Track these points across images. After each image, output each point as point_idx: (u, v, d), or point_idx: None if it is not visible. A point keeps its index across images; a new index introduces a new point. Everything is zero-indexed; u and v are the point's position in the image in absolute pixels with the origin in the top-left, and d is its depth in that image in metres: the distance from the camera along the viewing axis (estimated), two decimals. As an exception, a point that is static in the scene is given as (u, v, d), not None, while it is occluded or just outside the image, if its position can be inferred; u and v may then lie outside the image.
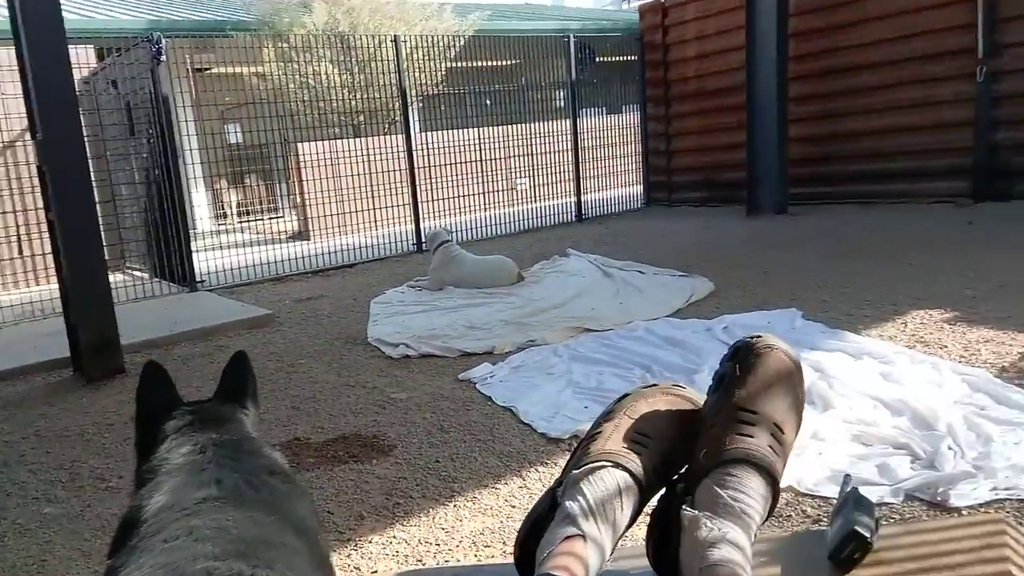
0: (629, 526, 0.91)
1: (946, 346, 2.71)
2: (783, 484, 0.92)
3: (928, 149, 6.36)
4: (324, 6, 11.02)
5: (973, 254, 4.17)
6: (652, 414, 0.97)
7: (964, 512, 1.63)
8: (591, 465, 0.91)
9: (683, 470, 0.95)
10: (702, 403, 0.99)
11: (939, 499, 1.67)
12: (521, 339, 3.51)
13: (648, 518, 0.96)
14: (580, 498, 0.88)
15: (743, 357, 0.95)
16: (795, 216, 6.52)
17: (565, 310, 4.06)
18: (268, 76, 8.39)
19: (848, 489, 1.05)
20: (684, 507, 0.88)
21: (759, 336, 0.97)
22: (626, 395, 1.02)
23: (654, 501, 0.96)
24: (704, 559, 0.82)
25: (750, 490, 0.87)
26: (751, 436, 0.90)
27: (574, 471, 0.91)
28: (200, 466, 0.88)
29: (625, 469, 0.90)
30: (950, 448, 1.87)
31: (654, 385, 1.03)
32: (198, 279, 5.98)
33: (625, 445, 0.93)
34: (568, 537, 0.85)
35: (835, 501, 1.71)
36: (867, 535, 0.91)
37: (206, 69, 8.79)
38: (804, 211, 6.69)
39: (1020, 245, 4.27)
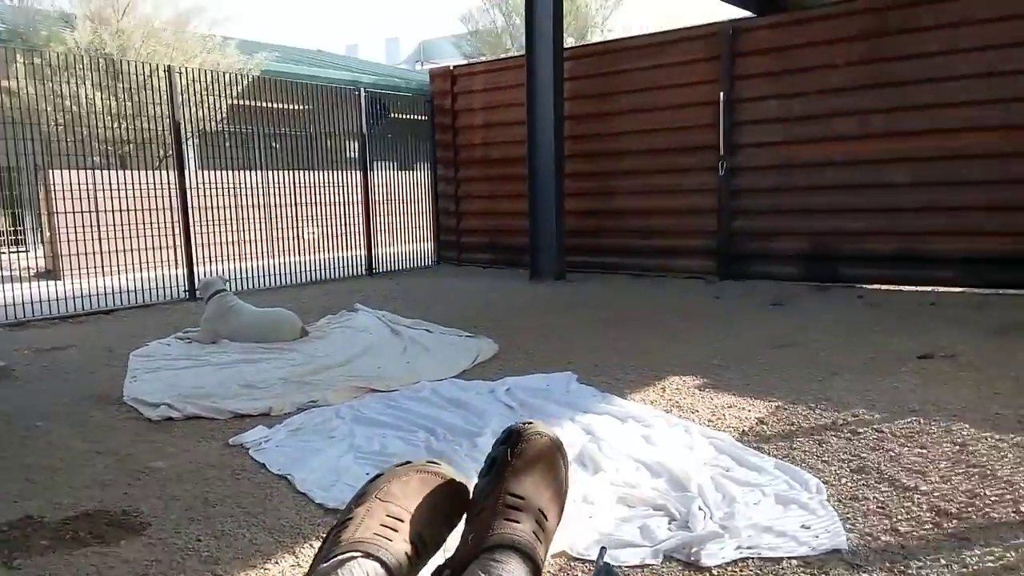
0: None
1: (697, 411, 3.03)
2: (556, 550, 0.96)
3: (682, 230, 7.19)
4: (89, 24, 10.10)
5: (719, 326, 4.74)
6: (405, 495, 0.96)
7: (714, 572, 1.80)
8: (340, 557, 0.88)
9: (451, 555, 0.96)
10: (459, 479, 1.01)
11: (692, 559, 1.83)
12: (302, 399, 3.35)
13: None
14: None
15: (514, 442, 0.99)
16: (572, 283, 6.99)
17: (350, 368, 3.96)
18: (16, 93, 7.44)
19: (602, 562, 1.12)
20: None
21: (530, 423, 1.02)
22: (379, 475, 1.01)
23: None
24: None
25: (514, 575, 0.90)
26: (517, 522, 0.93)
27: (323, 564, 0.88)
28: None
29: (376, 559, 0.88)
30: (700, 508, 2.07)
31: (408, 463, 1.03)
32: (-95, 321, 5.03)
33: (377, 531, 0.91)
34: None
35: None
36: None
37: (-63, 77, 7.59)
38: (581, 278, 7.20)
39: (755, 320, 4.94)
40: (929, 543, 1.89)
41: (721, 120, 6.77)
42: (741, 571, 1.81)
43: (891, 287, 6.17)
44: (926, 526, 1.98)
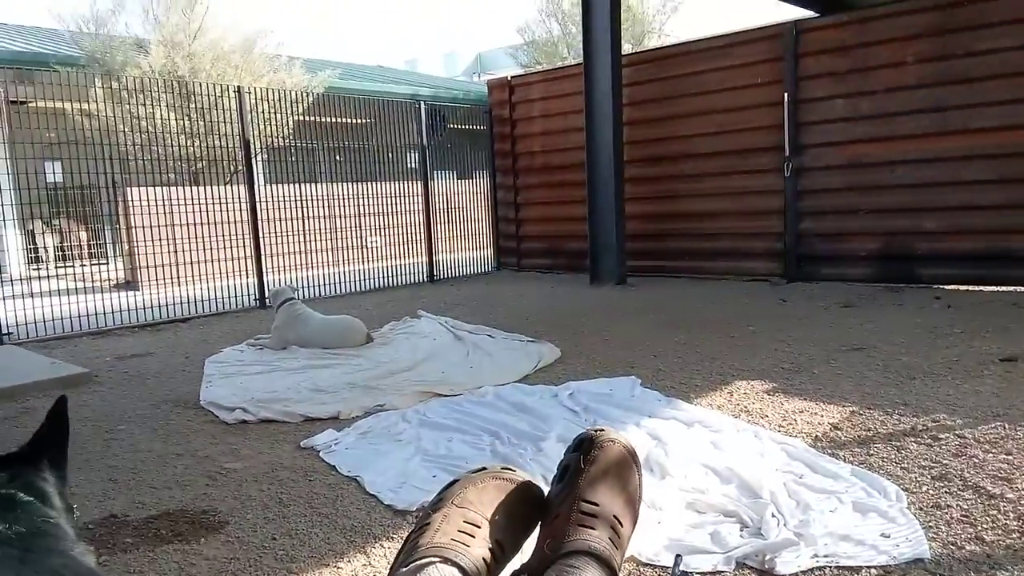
0: None
1: (767, 416, 2.95)
2: (624, 555, 0.95)
3: (746, 233, 7.05)
4: (162, 49, 10.55)
5: (786, 329, 4.62)
6: (481, 501, 0.97)
7: (788, 578, 1.75)
8: (419, 562, 0.88)
9: (528, 560, 0.96)
10: (534, 485, 1.01)
11: (767, 567, 1.79)
12: (369, 403, 3.41)
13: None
14: None
15: (587, 449, 0.99)
16: (633, 287, 6.93)
17: (415, 373, 4.01)
18: (96, 115, 7.83)
19: (678, 570, 1.10)
20: None
21: (602, 429, 1.01)
22: (455, 481, 1.01)
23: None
24: None
25: None
26: (593, 528, 0.92)
27: (402, 569, 0.89)
28: None
29: (455, 564, 0.88)
30: (774, 516, 2.02)
31: (483, 469, 1.03)
32: (4, 330, 5.34)
33: (454, 537, 0.92)
34: None
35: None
36: None
37: (24, 102, 8.05)
38: (642, 282, 7.13)
39: (825, 323, 4.79)
40: (1016, 552, 1.80)
41: (786, 121, 6.62)
42: (818, 581, 1.75)
43: (971, 287, 5.90)
44: (1013, 535, 1.88)
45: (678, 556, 1.14)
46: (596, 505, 0.95)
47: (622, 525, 0.96)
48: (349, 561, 1.99)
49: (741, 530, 2.00)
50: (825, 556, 1.83)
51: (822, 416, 2.91)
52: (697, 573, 1.77)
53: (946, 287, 6.00)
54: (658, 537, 1.96)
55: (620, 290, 6.83)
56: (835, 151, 6.48)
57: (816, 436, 2.69)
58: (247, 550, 2.07)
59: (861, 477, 2.27)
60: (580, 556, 0.91)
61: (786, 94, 6.60)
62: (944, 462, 2.37)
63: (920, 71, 6.01)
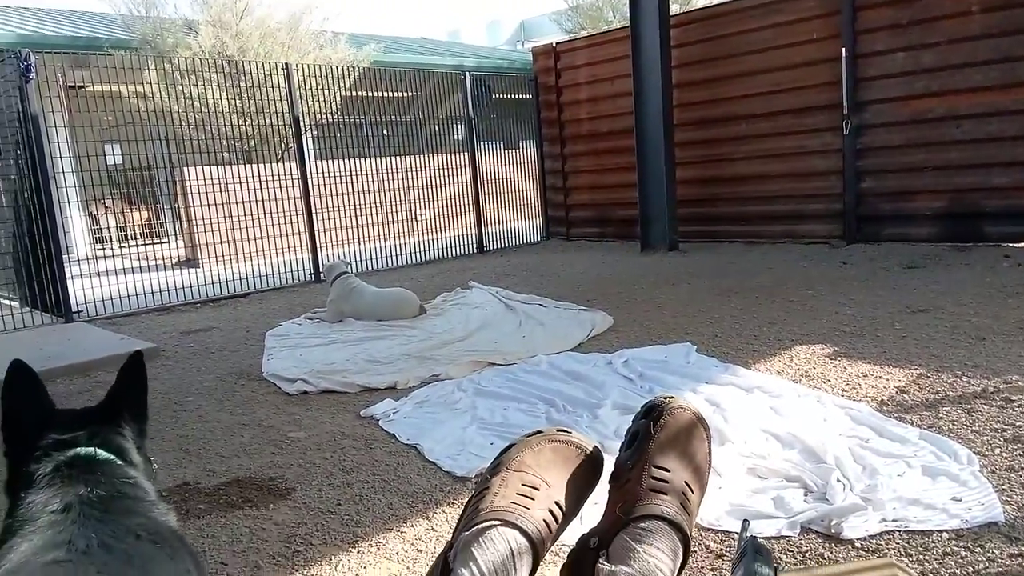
0: None
1: (829, 380, 2.89)
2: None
3: (804, 194, 6.84)
4: (211, 29, 10.69)
5: (847, 292, 4.49)
6: (538, 464, 0.96)
7: (857, 544, 1.72)
8: (480, 525, 0.89)
9: (597, 524, 0.95)
10: (590, 446, 1.00)
11: (833, 531, 1.76)
12: (424, 373, 3.46)
13: (558, 568, 0.95)
14: (472, 564, 0.86)
15: (656, 416, 0.97)
16: (685, 253, 6.82)
17: (468, 343, 4.04)
18: (151, 97, 8.01)
19: (746, 535, 1.08)
20: (600, 562, 0.88)
21: (671, 396, 1.00)
22: (511, 446, 1.01)
23: (561, 549, 0.95)
24: None
25: (664, 546, 0.89)
26: (664, 494, 0.92)
27: (464, 533, 0.89)
28: (59, 526, 0.84)
29: (516, 527, 0.88)
30: (839, 480, 1.98)
31: (539, 433, 1.02)
32: (74, 308, 5.56)
33: (514, 500, 0.92)
34: None
35: (736, 540, 1.77)
36: None
37: (81, 87, 8.28)
38: (694, 248, 7.01)
39: (888, 285, 4.64)
40: (1102, 517, 1.73)
41: (844, 77, 6.37)
42: (887, 544, 1.72)
43: (1043, 246, 5.64)
44: (1098, 499, 1.81)
45: (745, 521, 1.13)
46: (667, 471, 0.94)
47: (692, 491, 0.96)
48: (412, 526, 2.03)
49: (805, 495, 1.97)
50: (894, 520, 1.79)
51: (887, 380, 2.83)
52: (760, 538, 1.75)
53: (1016, 245, 5.74)
54: (719, 502, 1.94)
55: (672, 257, 6.74)
56: (896, 107, 6.22)
57: (882, 400, 2.63)
58: (314, 515, 2.13)
59: (930, 441, 2.21)
60: (652, 520, 0.90)
61: (843, 49, 6.34)
62: (1017, 424, 2.29)
63: (985, 20, 5.70)
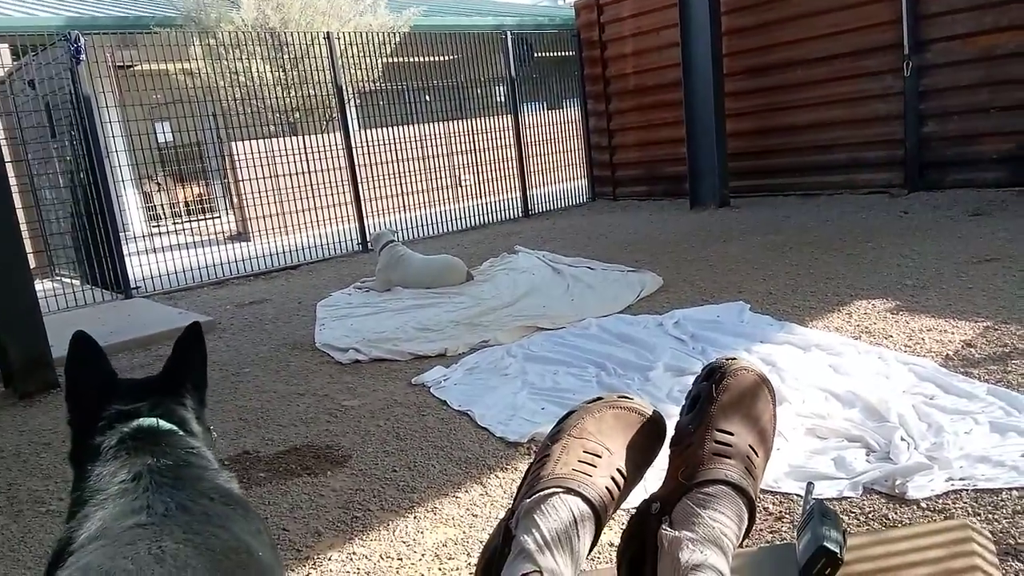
0: (591, 550, 0.89)
1: (891, 336, 2.78)
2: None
3: (862, 142, 6.56)
4: (252, 1, 10.72)
5: (909, 243, 4.31)
6: (600, 431, 0.94)
7: (923, 504, 1.66)
8: (542, 492, 0.87)
9: (658, 489, 0.93)
10: (651, 411, 0.97)
11: (897, 491, 1.70)
12: (474, 340, 3.47)
13: (620, 535, 0.93)
14: (534, 530, 0.84)
15: (718, 379, 0.94)
16: (737, 209, 6.65)
17: (516, 309, 4.03)
18: (197, 73, 8.11)
19: (811, 498, 1.05)
20: (663, 527, 0.86)
21: (733, 358, 0.96)
22: (571, 412, 0.99)
23: (623, 514, 0.93)
24: None
25: (728, 511, 0.86)
26: (728, 457, 0.89)
27: (526, 500, 0.88)
28: (133, 494, 0.86)
29: (578, 494, 0.87)
30: (903, 439, 1.91)
31: (599, 399, 1.00)
32: (133, 285, 5.74)
33: (575, 467, 0.90)
34: (525, 575, 0.81)
35: (799, 502, 1.73)
36: (837, 551, 0.91)
37: (130, 66, 8.43)
38: (746, 203, 6.82)
39: (953, 234, 4.44)
40: None
41: (904, 15, 6.03)
42: (954, 503, 1.66)
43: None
44: None
45: (810, 483, 1.09)
46: (730, 434, 0.91)
47: (757, 455, 0.92)
48: (466, 491, 2.04)
49: (867, 455, 1.91)
50: (961, 479, 1.73)
51: (953, 334, 2.71)
52: (821, 499, 1.70)
53: (1093, 187, 5.43)
54: (778, 464, 1.90)
55: (723, 213, 6.57)
56: (962, 44, 5.87)
57: (947, 355, 2.52)
58: (370, 482, 2.17)
59: (999, 396, 2.11)
60: (716, 484, 0.87)
61: (903, -15, 6.00)
62: (1097, 378, 2.17)
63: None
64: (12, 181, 3.56)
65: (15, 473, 2.54)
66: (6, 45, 6.98)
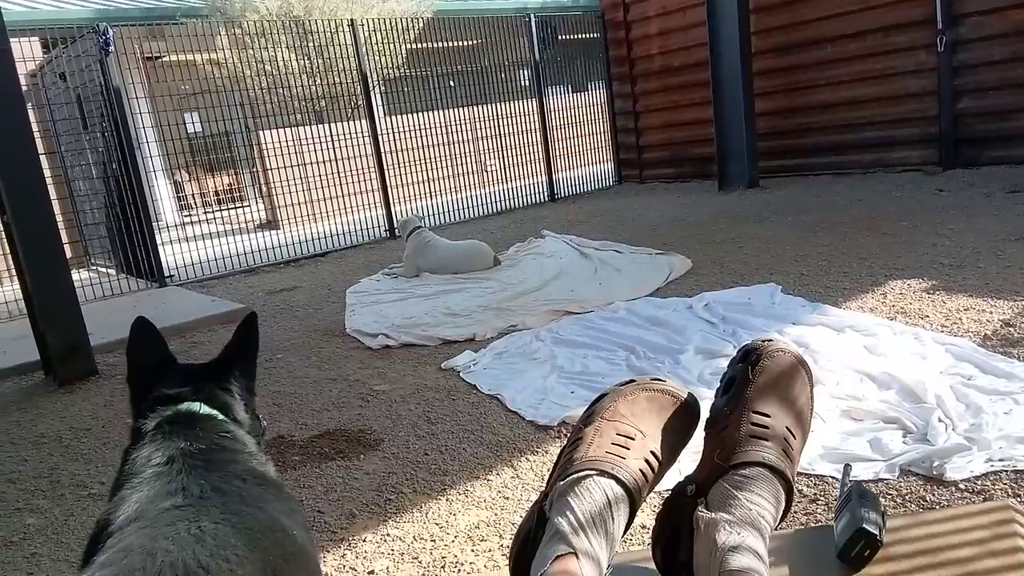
0: (625, 532, 0.89)
1: (927, 316, 2.74)
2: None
3: (895, 119, 6.42)
4: (277, -11, 10.75)
5: (945, 222, 4.22)
6: (633, 414, 0.93)
7: (961, 486, 1.64)
8: (576, 475, 0.87)
9: (693, 472, 0.93)
10: (685, 394, 0.96)
11: (935, 473, 1.68)
12: (502, 324, 3.47)
13: (651, 518, 0.93)
14: (568, 513, 0.84)
15: (754, 360, 0.93)
16: (767, 189, 6.55)
17: (544, 293, 4.03)
18: (223, 63, 8.17)
19: (849, 480, 1.03)
20: (699, 509, 0.85)
21: (770, 340, 0.95)
22: (604, 395, 0.98)
23: (655, 497, 0.93)
24: (724, 564, 0.79)
25: (766, 493, 0.85)
26: (765, 440, 0.88)
27: (559, 482, 0.88)
28: (167, 476, 0.88)
29: (612, 476, 0.87)
30: (941, 420, 1.88)
31: (632, 382, 0.99)
32: (167, 273, 5.84)
33: (608, 450, 0.89)
34: (559, 556, 0.81)
35: (834, 484, 1.72)
36: (876, 533, 0.89)
37: (158, 58, 8.53)
38: (776, 184, 6.72)
39: (990, 212, 4.33)
40: None
41: (937, -12, 5.88)
42: (993, 485, 1.63)
43: None
44: None
45: (847, 465, 1.07)
46: (767, 417, 0.89)
47: (794, 437, 0.91)
48: (497, 474, 2.06)
49: (904, 436, 1.88)
50: (1000, 460, 1.70)
51: (991, 313, 2.66)
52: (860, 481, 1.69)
53: None
54: (812, 446, 1.88)
55: (752, 194, 6.49)
56: (997, 18, 5.70)
57: (985, 335, 2.47)
58: (402, 465, 2.19)
59: (1041, 377, 2.07)
60: (753, 467, 0.86)
61: (937, -43, 5.84)
62: None
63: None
64: (47, 173, 3.63)
65: (57, 458, 2.61)
66: (37, 38, 7.09)
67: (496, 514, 1.86)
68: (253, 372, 1.18)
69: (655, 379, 0.98)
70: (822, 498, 1.70)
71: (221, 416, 1.05)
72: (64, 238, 3.67)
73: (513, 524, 1.78)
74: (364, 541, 1.81)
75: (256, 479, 0.93)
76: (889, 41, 6.31)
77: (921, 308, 2.83)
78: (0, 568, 1.92)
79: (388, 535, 1.83)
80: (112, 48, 5.54)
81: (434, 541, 1.78)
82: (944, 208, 4.64)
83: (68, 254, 3.74)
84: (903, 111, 6.36)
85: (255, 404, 1.18)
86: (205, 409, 1.04)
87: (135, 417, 1.04)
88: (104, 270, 6.54)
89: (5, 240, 3.59)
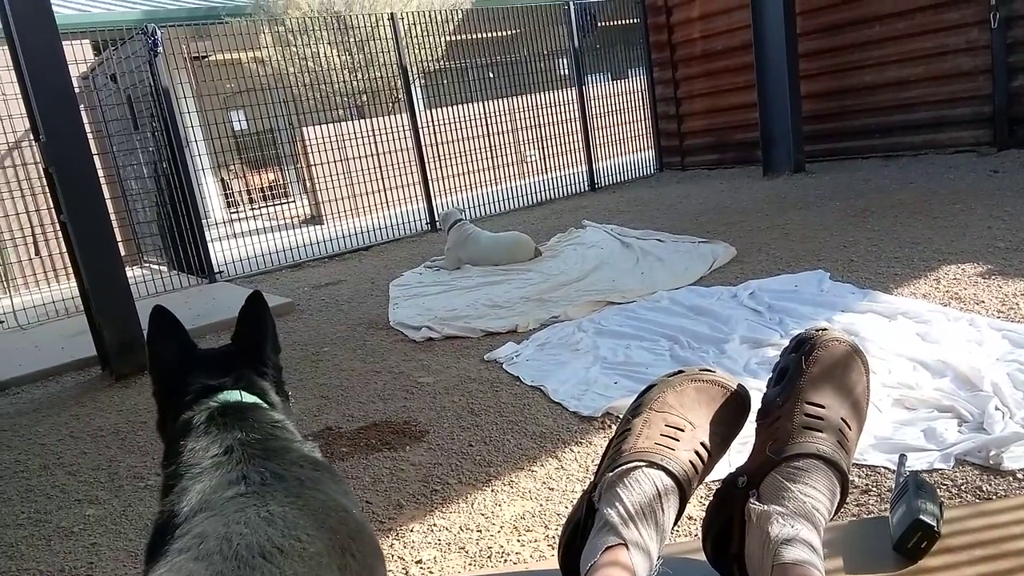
0: (675, 524, 0.88)
1: (983, 301, 2.65)
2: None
3: (947, 99, 6.21)
4: (317, -15, 10.87)
5: (1001, 204, 4.08)
6: (682, 404, 0.93)
7: (1019, 476, 1.59)
8: (625, 467, 0.87)
9: (744, 464, 0.92)
10: (735, 384, 0.95)
11: (992, 462, 1.63)
12: (544, 315, 3.47)
13: (700, 510, 0.92)
14: (618, 504, 0.84)
15: (808, 350, 0.91)
16: (813, 174, 6.41)
17: (586, 284, 4.01)
18: (267, 61, 8.31)
19: (905, 470, 1.01)
20: (751, 501, 0.85)
21: (824, 329, 0.93)
22: (652, 386, 0.97)
23: (703, 490, 0.92)
24: (778, 556, 0.78)
25: (820, 485, 0.84)
26: (819, 431, 0.86)
27: (608, 474, 0.88)
28: (227, 466, 0.90)
29: (661, 468, 0.86)
30: (997, 408, 1.83)
31: (680, 372, 0.98)
32: (216, 269, 5.98)
33: (658, 441, 0.89)
34: (610, 547, 0.81)
35: (886, 475, 1.68)
36: (933, 524, 0.88)
37: (204, 57, 8.71)
38: (823, 168, 6.57)
39: (1048, 192, 4.17)
40: None
41: (991, -39, 5.66)
42: (1057, 479, 1.58)
43: None
44: None
45: (902, 455, 1.05)
46: (821, 407, 0.88)
47: (850, 428, 0.89)
48: (542, 465, 2.06)
49: (959, 425, 1.83)
50: (1062, 450, 1.64)
51: (1052, 298, 2.56)
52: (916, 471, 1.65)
53: None
54: (864, 436, 1.83)
55: (798, 179, 6.35)
56: (1055, -10, 5.47)
57: (1046, 321, 2.39)
58: (448, 456, 2.21)
59: (1105, 364, 1.99)
60: (807, 459, 0.85)
61: (991, -72, 5.62)
62: None
63: None
64: (100, 173, 3.74)
65: (114, 450, 2.70)
66: (88, 41, 7.30)
67: (541, 505, 1.86)
68: (277, 348, 1.18)
69: (704, 369, 0.97)
70: (874, 489, 1.67)
71: (264, 404, 1.08)
72: (118, 236, 3.78)
73: (558, 515, 1.79)
74: (411, 531, 1.84)
75: (311, 464, 0.96)
76: (939, 19, 6.10)
77: (976, 293, 2.74)
78: (62, 557, 2.00)
79: (435, 525, 1.85)
80: (160, 49, 5.67)
81: (480, 532, 1.79)
82: (999, 190, 4.48)
83: (122, 251, 3.86)
84: (955, 90, 6.14)
85: (284, 381, 1.19)
86: (248, 397, 1.06)
87: (173, 409, 1.05)
88: (156, 267, 6.73)
89: (62, 239, 3.72)
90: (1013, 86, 5.82)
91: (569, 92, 8.45)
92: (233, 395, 1.05)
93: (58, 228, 3.70)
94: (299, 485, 0.89)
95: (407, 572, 1.68)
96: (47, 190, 3.73)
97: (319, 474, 0.95)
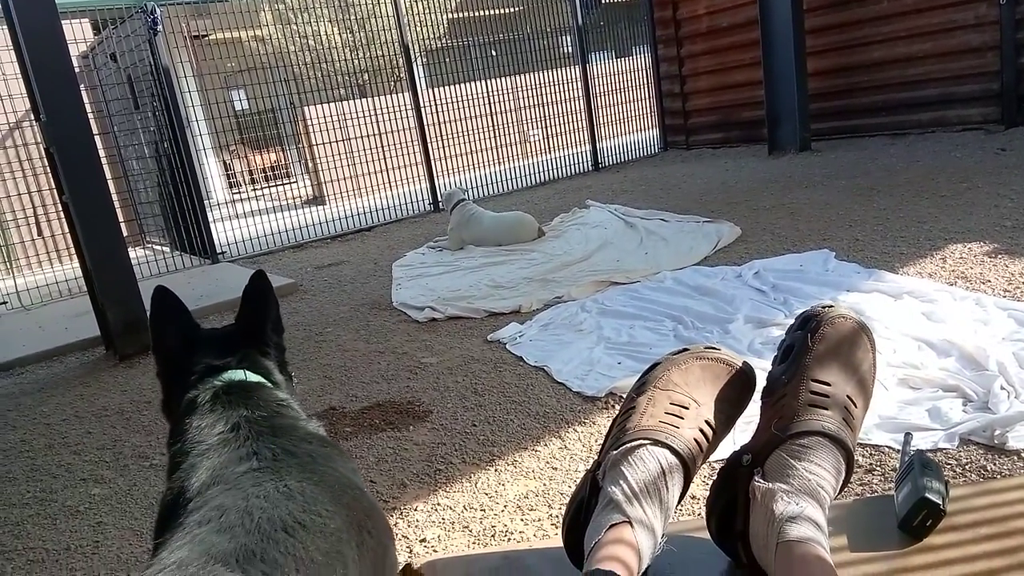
0: (679, 502, 0.88)
1: (989, 281, 2.63)
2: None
3: (955, 75, 6.14)
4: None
5: (1008, 183, 4.04)
6: (686, 382, 0.92)
7: (1023, 454, 1.59)
8: (629, 444, 0.86)
9: (749, 441, 0.91)
10: (740, 362, 0.94)
11: (996, 442, 1.63)
12: (547, 296, 3.46)
13: (705, 490, 0.92)
14: (622, 482, 0.83)
15: (814, 327, 0.90)
16: (819, 152, 6.36)
17: (589, 264, 4.00)
18: (268, 40, 8.25)
19: (910, 449, 1.00)
20: (755, 479, 0.84)
21: (830, 306, 0.92)
22: (656, 364, 0.96)
23: (707, 468, 0.92)
24: (783, 534, 0.78)
25: (825, 463, 0.83)
26: (825, 408, 0.85)
27: (612, 452, 0.87)
28: (236, 442, 0.89)
29: (666, 446, 0.85)
30: (1003, 388, 1.82)
31: (685, 350, 0.97)
32: (218, 250, 5.97)
33: (662, 419, 0.88)
34: (614, 525, 0.81)
35: (890, 454, 1.68)
36: (939, 502, 0.87)
37: (204, 36, 8.64)
38: (828, 147, 6.52)
39: (1056, 170, 4.13)
40: None
41: (1001, -66, 5.56)
42: (1062, 457, 1.57)
43: None
44: None
45: (908, 434, 1.04)
46: (827, 385, 0.87)
47: (855, 405, 0.88)
48: (545, 445, 2.07)
49: (964, 405, 1.83)
50: (1068, 430, 1.63)
51: (1059, 277, 2.55)
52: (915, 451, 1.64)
53: None
54: (868, 415, 1.83)
55: (804, 157, 6.30)
56: (1067, -36, 5.38)
57: (1053, 300, 2.37)
58: (451, 436, 2.22)
59: (1113, 343, 1.98)
60: (812, 436, 0.84)
61: (1002, -99, 5.52)
62: None
63: None
64: (101, 154, 3.73)
65: (119, 430, 2.71)
66: (87, 20, 7.24)
67: (544, 484, 1.87)
68: (281, 328, 1.18)
69: (709, 347, 0.96)
70: (878, 468, 1.66)
71: (267, 383, 1.07)
72: (120, 217, 3.77)
73: (562, 494, 1.79)
74: (415, 510, 1.85)
75: (319, 441, 0.96)
76: (948, -6, 6.01)
77: (982, 272, 2.72)
78: (68, 536, 2.02)
79: (438, 504, 1.86)
80: (160, 28, 5.63)
81: (483, 511, 1.80)
82: (1006, 168, 4.43)
83: (124, 232, 3.85)
84: (963, 67, 6.07)
85: (287, 360, 1.18)
86: (252, 376, 1.06)
87: (178, 390, 1.04)
88: (159, 247, 6.73)
89: (65, 220, 3.71)
90: (1022, 63, 5.75)
91: (573, 70, 8.37)
92: (237, 374, 1.05)
93: (60, 209, 3.69)
94: (312, 461, 0.88)
95: (411, 551, 1.69)
96: (48, 170, 3.71)
97: (328, 450, 0.94)
